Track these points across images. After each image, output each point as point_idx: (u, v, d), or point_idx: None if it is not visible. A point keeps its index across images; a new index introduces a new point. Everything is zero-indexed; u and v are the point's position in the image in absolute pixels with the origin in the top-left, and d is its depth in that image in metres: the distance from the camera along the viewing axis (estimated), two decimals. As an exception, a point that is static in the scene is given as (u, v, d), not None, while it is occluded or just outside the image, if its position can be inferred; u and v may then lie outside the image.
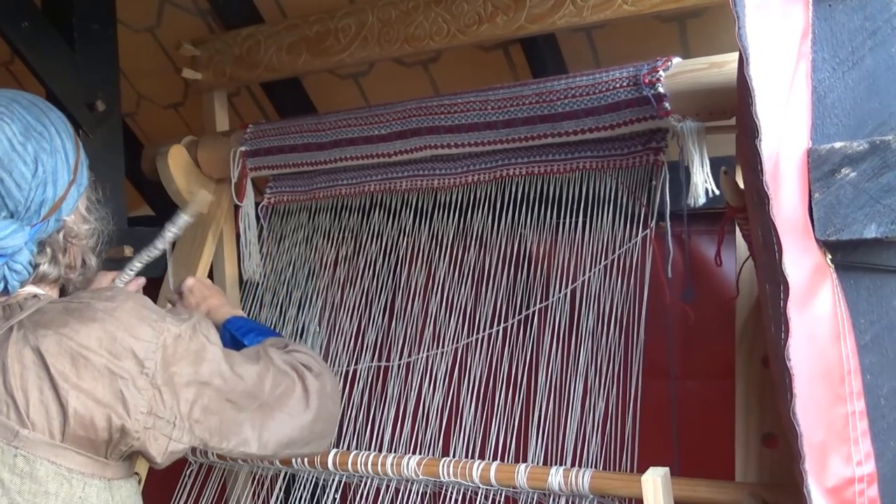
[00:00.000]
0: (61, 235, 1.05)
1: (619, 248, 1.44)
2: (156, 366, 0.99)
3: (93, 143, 1.82)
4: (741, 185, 1.30)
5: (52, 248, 1.05)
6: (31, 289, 1.04)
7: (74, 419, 0.95)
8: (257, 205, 1.84)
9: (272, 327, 1.78)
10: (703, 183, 1.32)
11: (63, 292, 1.12)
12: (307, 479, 1.65)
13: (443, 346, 1.59)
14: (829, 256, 0.88)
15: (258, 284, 1.84)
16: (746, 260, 1.33)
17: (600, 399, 1.40)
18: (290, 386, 1.14)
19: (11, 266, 1.00)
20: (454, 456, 1.49)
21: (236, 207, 1.83)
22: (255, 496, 1.73)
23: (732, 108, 1.27)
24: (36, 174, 1.00)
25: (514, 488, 1.38)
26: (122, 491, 1.02)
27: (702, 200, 1.33)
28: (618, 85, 1.38)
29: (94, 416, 0.96)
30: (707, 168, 1.33)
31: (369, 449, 1.59)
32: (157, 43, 2.28)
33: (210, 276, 1.86)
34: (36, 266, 1.03)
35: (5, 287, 1.01)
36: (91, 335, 0.97)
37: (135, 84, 2.40)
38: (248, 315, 1.79)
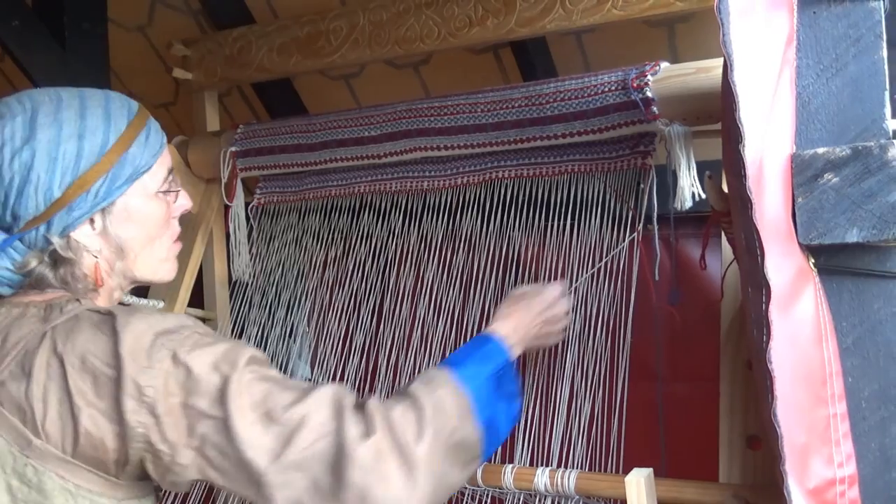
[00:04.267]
0: (65, 247, 1.00)
1: (608, 251, 1.45)
2: (157, 393, 0.92)
3: (83, 142, 1.82)
4: (726, 190, 1.31)
5: (50, 257, 1.00)
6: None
7: (84, 437, 0.92)
8: (247, 205, 1.84)
9: (261, 328, 1.78)
10: (689, 186, 1.33)
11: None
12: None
13: (431, 348, 1.59)
14: (812, 260, 0.89)
15: (247, 285, 1.84)
16: (731, 263, 1.34)
17: (586, 401, 1.40)
18: (324, 445, 0.94)
19: None
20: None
21: (226, 207, 1.83)
22: (245, 499, 1.73)
23: (719, 113, 1.28)
24: None
25: (500, 489, 1.38)
26: None
27: (688, 204, 1.34)
28: (607, 89, 1.39)
29: (104, 436, 0.93)
30: (694, 172, 1.34)
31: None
32: (148, 42, 2.28)
33: (199, 275, 1.86)
34: (29, 273, 0.99)
35: None
36: (109, 351, 0.93)
37: (125, 83, 2.40)
38: (237, 315, 1.80)
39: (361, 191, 1.72)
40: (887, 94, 0.89)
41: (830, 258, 0.89)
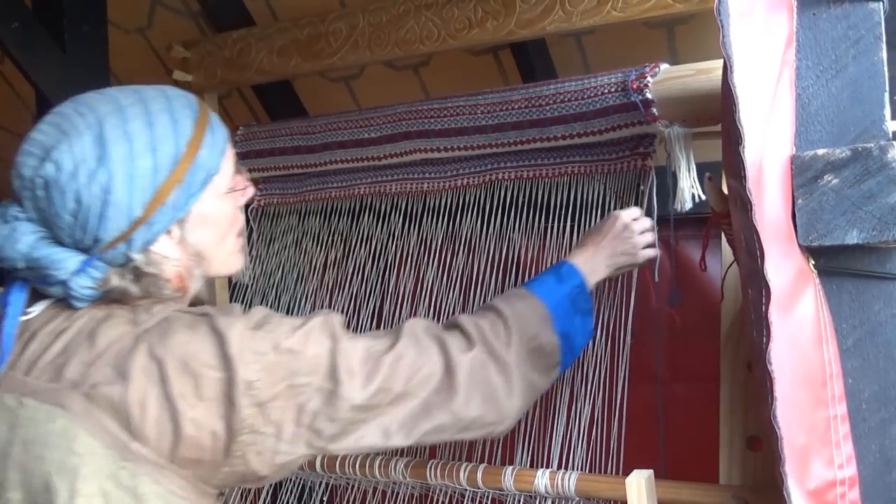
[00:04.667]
0: (147, 262, 0.98)
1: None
2: (262, 384, 0.94)
3: (82, 144, 1.82)
4: (726, 191, 1.31)
5: (132, 273, 0.98)
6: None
7: (185, 440, 0.92)
8: (247, 207, 1.84)
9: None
10: (689, 188, 1.33)
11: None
12: (294, 482, 1.65)
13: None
14: (812, 261, 0.89)
15: (247, 287, 1.84)
16: (732, 264, 1.34)
17: (587, 403, 1.40)
18: (430, 369, 1.06)
19: (70, 287, 0.96)
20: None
21: (226, 209, 1.83)
22: (244, 498, 1.73)
23: (719, 114, 1.28)
24: (76, 214, 0.93)
25: (501, 491, 1.38)
26: None
27: (688, 205, 1.34)
28: (606, 90, 1.39)
29: (204, 437, 0.93)
30: (693, 173, 1.34)
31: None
32: (147, 44, 2.28)
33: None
34: (110, 289, 0.98)
35: (73, 302, 0.98)
36: (214, 353, 0.93)
37: (125, 85, 2.40)
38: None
39: (361, 193, 1.72)
40: (887, 95, 0.89)
41: (830, 259, 0.89)
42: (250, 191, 1.13)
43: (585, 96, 1.41)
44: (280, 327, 0.98)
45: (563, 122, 1.44)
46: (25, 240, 0.94)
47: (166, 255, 1.00)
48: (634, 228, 1.32)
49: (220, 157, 1.03)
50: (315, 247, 1.79)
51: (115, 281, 0.97)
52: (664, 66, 1.36)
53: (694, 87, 1.31)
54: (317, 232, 1.79)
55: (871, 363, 0.88)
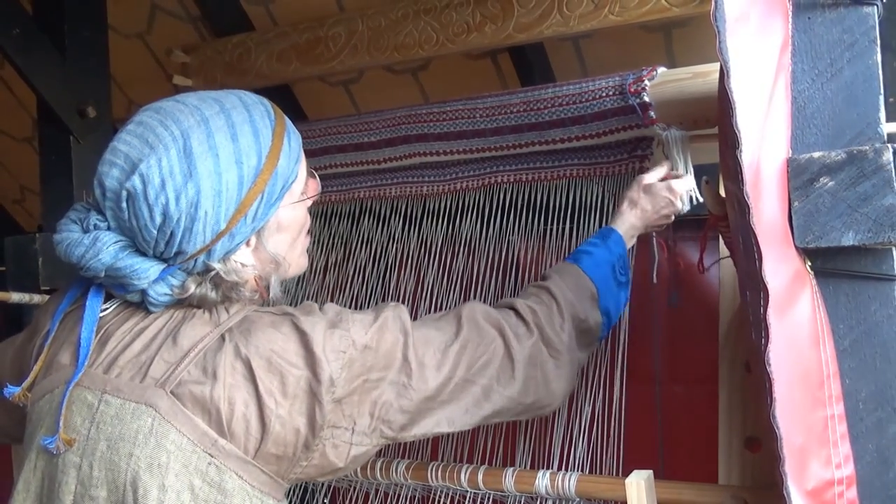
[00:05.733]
0: (227, 270, 0.99)
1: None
2: (341, 381, 0.97)
3: (83, 149, 1.82)
4: (723, 194, 1.32)
5: (212, 281, 0.99)
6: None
7: (272, 437, 0.94)
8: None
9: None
10: (688, 190, 1.34)
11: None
12: (296, 484, 1.65)
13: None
14: (809, 263, 0.90)
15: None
16: (729, 266, 1.35)
17: (586, 404, 1.41)
18: (490, 356, 1.10)
19: (148, 294, 0.97)
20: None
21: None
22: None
23: (716, 118, 1.29)
24: (162, 228, 0.94)
25: (501, 492, 1.39)
26: None
27: (686, 207, 1.35)
28: (604, 94, 1.40)
29: (286, 433, 0.95)
30: (692, 176, 1.35)
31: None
32: (147, 49, 2.29)
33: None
34: (189, 296, 0.98)
35: (150, 308, 1.00)
36: (298, 352, 0.96)
37: (126, 90, 2.41)
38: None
39: (361, 196, 1.72)
40: (882, 98, 0.90)
41: (827, 261, 0.90)
42: (318, 189, 1.13)
43: (583, 100, 1.42)
44: (355, 325, 1.01)
45: (562, 126, 1.45)
46: (108, 250, 0.95)
47: (244, 262, 1.01)
48: (669, 201, 1.33)
49: (296, 164, 1.04)
50: (315, 250, 1.80)
51: (193, 288, 0.98)
52: (661, 70, 1.37)
53: (691, 91, 1.32)
54: (317, 235, 1.79)
55: (868, 363, 0.89)
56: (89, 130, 1.84)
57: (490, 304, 1.19)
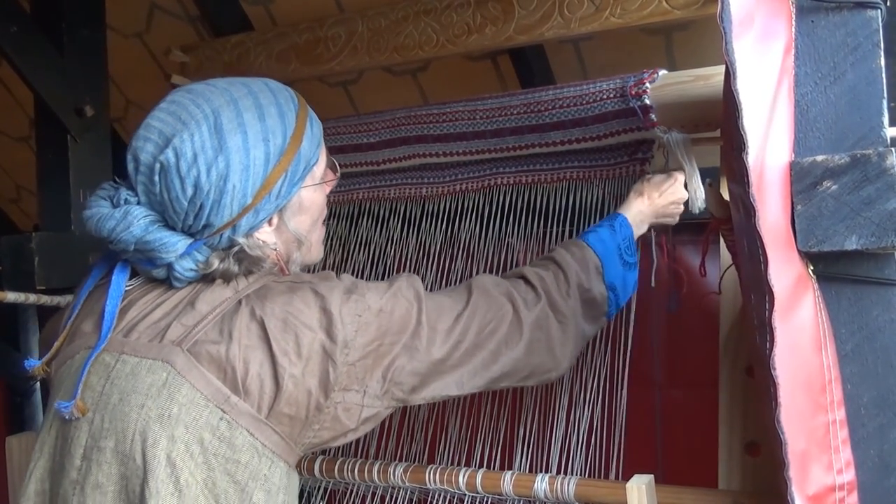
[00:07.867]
0: (251, 245, 1.03)
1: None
2: (356, 344, 1.00)
3: (81, 148, 1.82)
4: (726, 197, 1.32)
5: (235, 256, 1.03)
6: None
7: (285, 396, 0.97)
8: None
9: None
10: (696, 190, 1.35)
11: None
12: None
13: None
14: (811, 267, 0.89)
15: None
16: (728, 268, 1.35)
17: (586, 408, 1.40)
18: (499, 321, 1.13)
19: (174, 269, 1.01)
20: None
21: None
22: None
23: (717, 121, 1.29)
24: (193, 200, 0.97)
25: (499, 495, 1.38)
26: (294, 480, 1.04)
27: (702, 206, 1.35)
28: (605, 96, 1.39)
29: (299, 394, 0.97)
30: (698, 177, 1.35)
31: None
32: (146, 49, 2.28)
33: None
34: (213, 271, 1.02)
35: (174, 283, 1.03)
36: (315, 315, 0.99)
37: (123, 89, 2.40)
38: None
39: (360, 197, 1.72)
40: (885, 101, 0.89)
41: (829, 265, 0.90)
42: (336, 177, 1.18)
43: (584, 102, 1.41)
44: (370, 291, 1.04)
45: (562, 128, 1.45)
46: (139, 223, 0.99)
47: (266, 240, 1.05)
48: (677, 200, 1.36)
49: (317, 147, 1.09)
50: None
51: (217, 263, 1.02)
52: (662, 73, 1.37)
53: (692, 94, 1.32)
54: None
55: (870, 368, 0.88)
56: (86, 130, 1.84)
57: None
